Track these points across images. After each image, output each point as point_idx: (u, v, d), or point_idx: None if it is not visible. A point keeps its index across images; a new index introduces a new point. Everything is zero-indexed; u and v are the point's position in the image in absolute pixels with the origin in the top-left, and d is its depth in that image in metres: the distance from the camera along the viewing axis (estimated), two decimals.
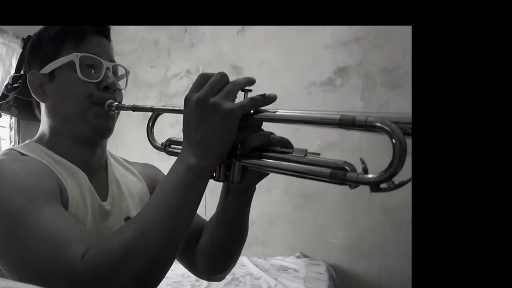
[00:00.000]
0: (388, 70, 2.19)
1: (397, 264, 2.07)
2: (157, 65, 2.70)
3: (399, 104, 2.10)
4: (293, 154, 0.54)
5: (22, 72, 2.36)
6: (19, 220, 0.53)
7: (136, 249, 0.50)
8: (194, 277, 0.85)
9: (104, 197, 0.74)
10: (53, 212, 0.56)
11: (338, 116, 0.46)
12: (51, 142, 0.72)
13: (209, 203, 1.84)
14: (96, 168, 0.76)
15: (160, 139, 0.73)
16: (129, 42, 2.70)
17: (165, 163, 0.86)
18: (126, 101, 0.75)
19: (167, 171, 0.58)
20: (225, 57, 2.51)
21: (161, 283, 0.55)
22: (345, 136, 2.20)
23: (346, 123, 0.46)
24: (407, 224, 2.01)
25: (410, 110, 0.42)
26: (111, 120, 0.73)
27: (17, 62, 2.43)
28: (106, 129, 0.73)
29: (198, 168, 0.55)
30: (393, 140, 0.40)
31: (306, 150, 0.53)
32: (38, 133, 0.75)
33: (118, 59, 0.77)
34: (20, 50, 2.48)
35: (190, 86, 0.58)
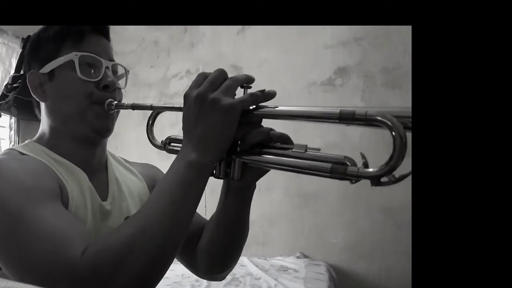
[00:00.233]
0: (388, 70, 2.19)
1: (397, 264, 2.07)
2: (157, 65, 2.70)
3: (399, 104, 2.08)
4: (293, 150, 0.54)
5: (21, 72, 2.36)
6: (19, 220, 0.53)
7: (136, 246, 0.50)
8: (194, 277, 0.85)
9: (104, 197, 0.74)
10: (53, 211, 0.56)
11: (338, 111, 0.46)
12: (51, 142, 0.72)
13: (209, 203, 1.84)
14: (96, 167, 0.75)
15: (160, 139, 0.73)
16: (129, 42, 2.70)
17: (165, 163, 0.86)
18: (125, 101, 0.75)
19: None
20: (225, 57, 2.51)
21: (160, 283, 0.55)
22: (345, 136, 2.20)
23: (346, 117, 0.46)
24: (407, 224, 2.01)
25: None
26: (111, 120, 0.73)
27: (17, 62, 2.43)
28: (106, 129, 0.73)
29: (198, 164, 0.55)
30: (393, 133, 0.40)
31: (306, 145, 0.53)
32: (38, 133, 0.75)
33: (118, 59, 0.77)
34: (20, 50, 2.47)
35: None
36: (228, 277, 0.85)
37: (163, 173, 0.88)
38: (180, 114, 0.60)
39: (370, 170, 0.43)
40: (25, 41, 2.43)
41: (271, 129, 0.58)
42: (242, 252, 0.77)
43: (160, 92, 2.67)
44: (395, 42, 2.16)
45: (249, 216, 0.71)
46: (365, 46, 2.24)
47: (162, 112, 0.72)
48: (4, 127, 2.59)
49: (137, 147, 2.20)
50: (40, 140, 0.73)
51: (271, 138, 0.58)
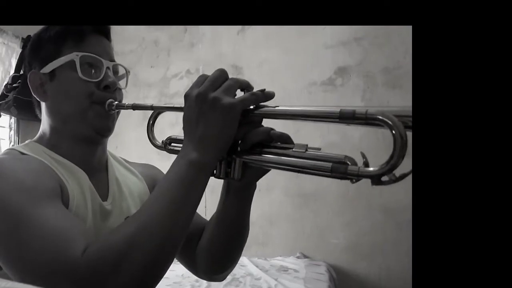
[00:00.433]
0: (389, 70, 2.19)
1: (397, 265, 2.07)
2: (157, 65, 2.70)
3: (400, 104, 2.09)
4: (293, 149, 0.54)
5: (21, 72, 2.36)
6: (19, 219, 0.53)
7: (136, 246, 0.50)
8: (194, 277, 0.85)
9: (104, 197, 0.74)
10: (54, 211, 0.56)
11: (338, 110, 0.47)
12: (52, 142, 0.72)
13: (209, 203, 1.84)
14: (96, 167, 0.75)
15: (160, 139, 0.73)
16: (129, 42, 2.70)
17: (165, 163, 0.86)
18: (125, 101, 0.75)
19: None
20: (225, 57, 2.51)
21: (160, 283, 0.55)
22: (345, 136, 2.20)
23: (346, 116, 0.46)
24: (407, 224, 2.01)
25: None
26: (112, 120, 0.73)
27: (17, 62, 2.42)
28: (106, 128, 0.73)
29: (199, 163, 0.55)
30: (394, 132, 0.40)
31: (307, 145, 0.53)
32: (39, 133, 0.75)
33: (118, 59, 0.77)
34: (20, 50, 2.47)
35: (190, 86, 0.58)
36: (228, 277, 0.85)
37: (163, 173, 0.88)
38: (180, 114, 0.60)
39: (371, 169, 0.43)
40: (25, 41, 2.43)
41: (272, 129, 0.58)
42: (242, 252, 0.77)
43: (160, 92, 2.67)
44: (395, 42, 2.16)
45: (249, 216, 0.71)
46: (365, 46, 2.24)
47: (162, 112, 0.72)
48: (4, 127, 2.59)
49: (137, 147, 2.20)
50: (40, 140, 0.73)
51: (272, 137, 0.58)
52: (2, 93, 2.34)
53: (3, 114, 2.41)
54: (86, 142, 0.73)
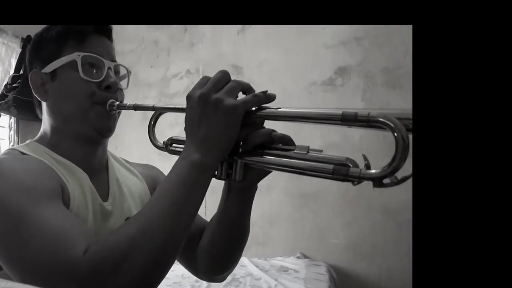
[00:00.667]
0: (389, 70, 2.19)
1: (398, 265, 2.07)
2: (157, 65, 2.69)
3: (400, 104, 2.10)
4: (295, 151, 0.54)
5: (21, 72, 2.35)
6: (20, 219, 0.53)
7: (137, 247, 0.50)
8: (194, 277, 0.85)
9: (105, 197, 0.74)
10: (54, 211, 0.56)
11: (340, 112, 0.47)
12: (53, 142, 0.72)
13: (209, 204, 1.83)
14: (97, 168, 0.75)
15: (160, 139, 0.73)
16: (129, 41, 2.70)
17: (165, 164, 0.86)
18: (126, 101, 0.75)
19: (168, 171, 0.58)
20: (225, 57, 2.51)
21: (161, 283, 0.55)
22: (345, 137, 2.20)
23: (348, 118, 0.46)
24: (407, 224, 2.01)
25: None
26: (113, 120, 0.73)
27: (17, 62, 2.42)
28: (107, 129, 0.73)
29: (201, 164, 0.55)
30: (396, 135, 0.41)
31: (308, 147, 0.53)
32: (39, 132, 0.75)
33: (118, 59, 0.77)
34: (20, 50, 2.47)
35: (190, 86, 0.58)
36: (229, 277, 0.85)
37: (163, 174, 0.89)
38: (181, 115, 0.60)
39: (373, 171, 0.43)
40: (25, 41, 2.43)
41: (273, 131, 0.58)
42: (242, 253, 0.76)
43: (160, 92, 2.67)
44: (395, 41, 2.16)
45: (250, 217, 0.71)
46: (365, 46, 2.24)
47: (164, 113, 0.72)
48: (3, 127, 2.58)
49: (137, 148, 2.20)
50: (41, 140, 0.73)
51: (273, 139, 0.58)
52: (2, 93, 2.34)
53: (3, 114, 2.41)
54: (87, 142, 0.73)
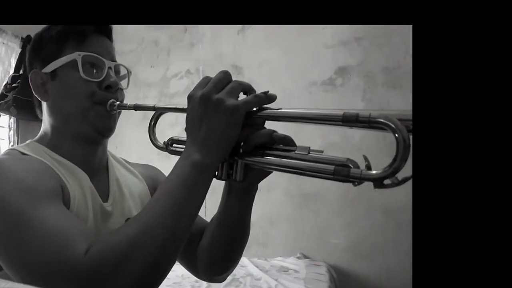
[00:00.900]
0: (389, 70, 2.19)
1: (398, 265, 2.07)
2: (157, 65, 2.69)
3: (400, 104, 2.10)
4: (296, 151, 0.54)
5: (21, 72, 2.35)
6: (20, 219, 0.53)
7: (138, 246, 0.50)
8: (194, 278, 0.85)
9: (105, 198, 0.74)
10: (55, 211, 0.56)
11: (342, 113, 0.47)
12: (53, 142, 0.72)
13: (209, 204, 1.83)
14: (97, 168, 0.75)
15: (160, 139, 0.73)
16: (129, 41, 2.70)
17: (165, 164, 0.86)
18: (125, 101, 0.75)
19: (168, 172, 0.58)
20: (225, 57, 2.51)
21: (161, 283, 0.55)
22: (345, 137, 2.20)
23: (349, 119, 0.46)
24: (408, 224, 2.01)
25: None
26: (113, 120, 0.73)
27: (16, 62, 2.42)
28: (107, 128, 0.73)
29: (203, 164, 0.55)
30: (397, 136, 0.41)
31: (309, 147, 0.53)
32: (40, 132, 0.75)
33: (118, 59, 0.77)
34: (19, 50, 2.47)
35: (190, 86, 0.58)
36: (229, 277, 0.84)
37: (163, 174, 0.88)
38: (181, 114, 0.60)
39: (373, 172, 0.43)
40: (25, 41, 2.43)
41: (274, 131, 0.58)
42: (243, 253, 0.76)
43: (160, 92, 2.67)
44: (396, 41, 2.16)
45: (250, 217, 0.71)
46: (365, 46, 2.24)
47: (164, 113, 0.71)
48: (3, 127, 2.58)
49: (137, 148, 2.20)
50: (41, 140, 0.73)
51: (274, 140, 0.58)
52: (2, 93, 2.34)
53: (3, 114, 2.41)
54: (87, 142, 0.73)
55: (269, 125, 0.60)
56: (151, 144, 0.73)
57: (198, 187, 0.55)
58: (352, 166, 0.47)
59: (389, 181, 0.42)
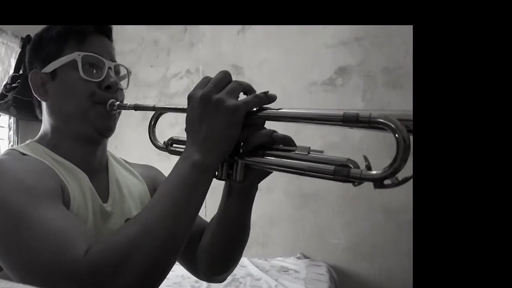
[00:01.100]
0: (389, 70, 2.19)
1: (398, 265, 2.07)
2: (157, 65, 2.69)
3: (401, 104, 2.10)
4: (296, 152, 0.54)
5: (21, 72, 2.35)
6: (20, 220, 0.53)
7: (138, 246, 0.50)
8: (194, 278, 0.85)
9: (104, 198, 0.74)
10: (55, 211, 0.56)
11: (342, 113, 0.47)
12: (53, 142, 0.72)
13: (209, 204, 1.83)
14: (96, 168, 0.75)
15: (160, 139, 0.73)
16: (129, 41, 2.70)
17: (165, 164, 0.86)
18: (125, 101, 0.75)
19: (168, 172, 0.58)
20: (225, 57, 2.51)
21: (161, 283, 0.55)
22: (345, 137, 2.20)
23: (349, 119, 0.46)
24: (408, 224, 2.01)
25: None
26: (113, 120, 0.73)
27: (16, 62, 2.42)
28: (107, 128, 0.73)
29: (203, 164, 0.55)
30: (397, 136, 0.41)
31: (309, 147, 0.53)
32: (40, 132, 0.75)
33: (118, 59, 0.77)
34: (19, 50, 2.47)
35: (190, 86, 0.58)
36: (229, 278, 0.84)
37: (163, 174, 0.88)
38: (180, 114, 0.60)
39: (374, 172, 0.43)
40: (24, 41, 2.43)
41: (274, 131, 0.58)
42: (243, 253, 0.76)
43: (160, 92, 2.67)
44: (396, 41, 2.16)
45: (250, 217, 0.71)
46: (366, 46, 2.24)
47: (164, 113, 0.71)
48: (3, 127, 2.58)
49: (137, 148, 2.20)
50: (41, 140, 0.73)
51: (274, 140, 0.58)
52: (2, 93, 2.34)
53: (3, 114, 2.41)
54: (87, 142, 0.72)
55: (269, 125, 0.60)
56: (151, 144, 0.73)
57: (198, 187, 0.55)
58: (352, 166, 0.47)
59: (389, 181, 0.42)
